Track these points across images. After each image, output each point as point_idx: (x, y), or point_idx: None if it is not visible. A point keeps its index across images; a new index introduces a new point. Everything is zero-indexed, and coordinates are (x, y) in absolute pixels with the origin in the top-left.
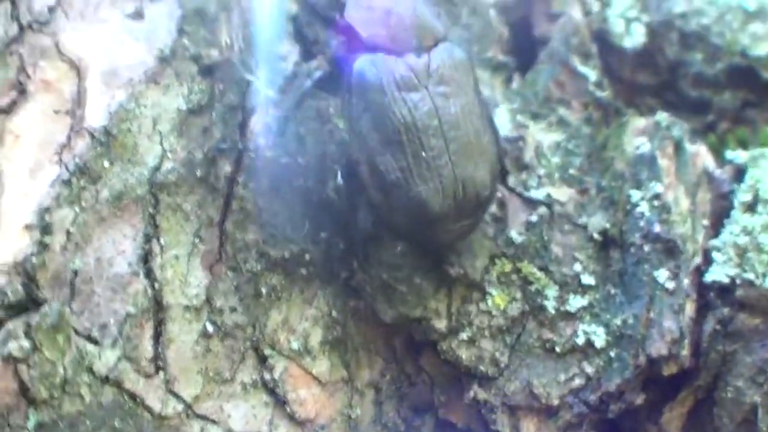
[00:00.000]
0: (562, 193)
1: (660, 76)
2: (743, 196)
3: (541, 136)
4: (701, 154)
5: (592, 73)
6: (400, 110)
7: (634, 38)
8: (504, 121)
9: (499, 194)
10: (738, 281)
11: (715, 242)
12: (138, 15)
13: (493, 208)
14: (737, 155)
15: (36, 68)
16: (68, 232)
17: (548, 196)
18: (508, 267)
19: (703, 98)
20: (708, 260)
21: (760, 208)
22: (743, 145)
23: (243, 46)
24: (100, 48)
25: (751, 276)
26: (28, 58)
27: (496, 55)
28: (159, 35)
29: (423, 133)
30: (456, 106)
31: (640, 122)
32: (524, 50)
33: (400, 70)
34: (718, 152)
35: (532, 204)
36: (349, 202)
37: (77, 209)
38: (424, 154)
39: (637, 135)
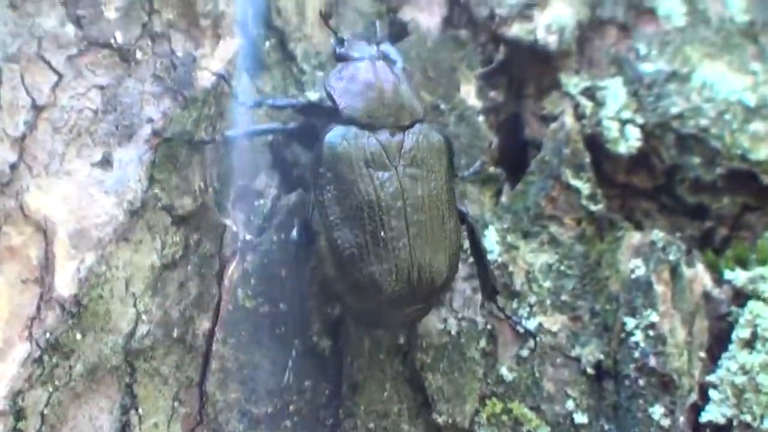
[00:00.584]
0: (554, 322)
1: (656, 180)
2: (742, 332)
3: (532, 257)
4: (699, 278)
5: (585, 187)
6: (365, 187)
7: (629, 143)
8: (493, 243)
9: (489, 325)
10: (735, 422)
11: (712, 378)
12: (106, 163)
13: (483, 341)
14: (736, 276)
15: (0, 234)
16: (42, 415)
17: (540, 326)
18: (498, 408)
19: (701, 204)
20: (705, 395)
21: (759, 345)
22: (742, 263)
23: (218, 186)
24: (67, 205)
25: (748, 418)
26: None
27: (485, 166)
28: (129, 185)
29: (385, 213)
30: (423, 189)
31: (635, 238)
32: (514, 153)
33: (371, 146)
34: (715, 267)
35: (523, 335)
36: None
37: (51, 389)
38: (383, 234)
39: (632, 253)
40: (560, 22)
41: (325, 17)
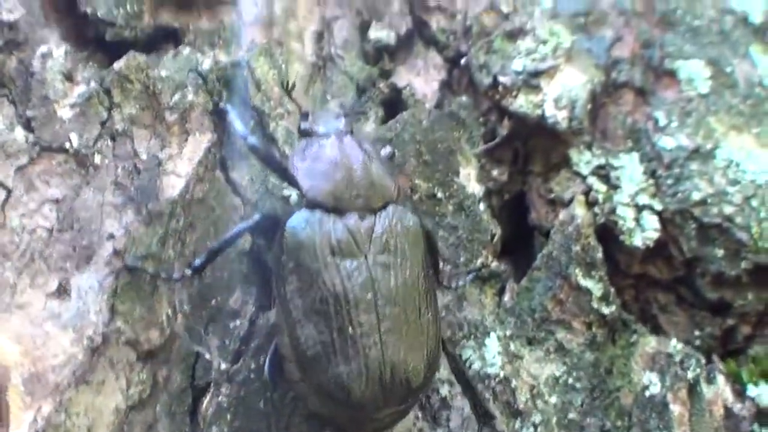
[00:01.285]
0: None
1: (674, 271)
2: None
3: (537, 368)
4: (719, 397)
5: (596, 287)
6: (331, 278)
7: (646, 234)
8: (495, 354)
9: None
10: None
11: None
12: (63, 292)
13: None
14: (760, 393)
15: None
16: None
17: None
18: None
19: (722, 299)
20: None
21: None
22: (766, 376)
23: (188, 309)
24: (20, 346)
25: None
26: None
27: (487, 261)
28: (89, 318)
29: (353, 307)
30: (397, 279)
31: (650, 345)
32: (519, 239)
33: (338, 232)
34: (738, 378)
35: None
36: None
37: None
38: (351, 330)
39: (646, 363)
40: (571, 94)
41: (287, 89)
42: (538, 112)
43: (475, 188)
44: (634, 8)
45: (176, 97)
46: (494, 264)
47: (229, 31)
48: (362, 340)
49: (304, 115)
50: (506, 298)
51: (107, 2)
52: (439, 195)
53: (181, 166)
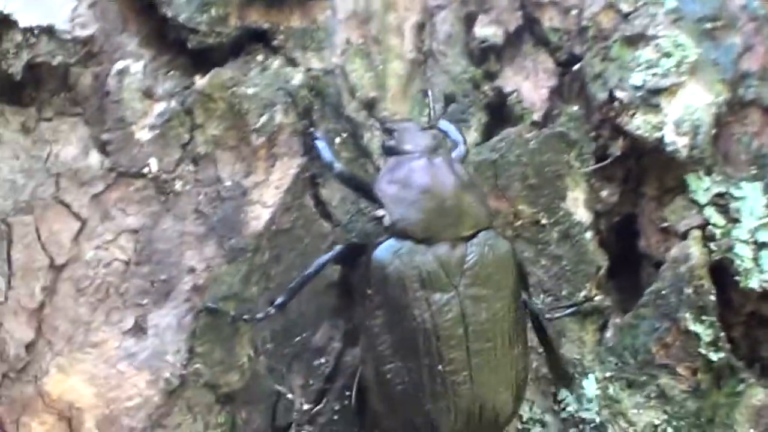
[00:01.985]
0: None
1: None
2: None
3: (636, 415)
4: None
5: (707, 333)
6: (420, 313)
7: (764, 276)
8: (593, 396)
9: None
10: None
11: None
12: (139, 330)
13: None
14: None
15: (18, 427)
16: None
17: None
18: None
19: None
20: None
21: None
22: None
23: (271, 346)
24: (93, 387)
25: None
26: (7, 416)
27: (590, 294)
28: (165, 358)
29: (444, 343)
30: (488, 312)
31: (758, 396)
32: (625, 265)
33: (428, 264)
34: None
35: None
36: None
37: None
38: (440, 367)
39: (752, 416)
40: (694, 117)
41: (369, 104)
42: (657, 135)
43: (582, 215)
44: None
45: (263, 118)
46: (598, 298)
47: (323, 31)
48: (452, 377)
49: (387, 131)
50: (609, 334)
51: (189, 6)
52: (544, 221)
53: (267, 195)
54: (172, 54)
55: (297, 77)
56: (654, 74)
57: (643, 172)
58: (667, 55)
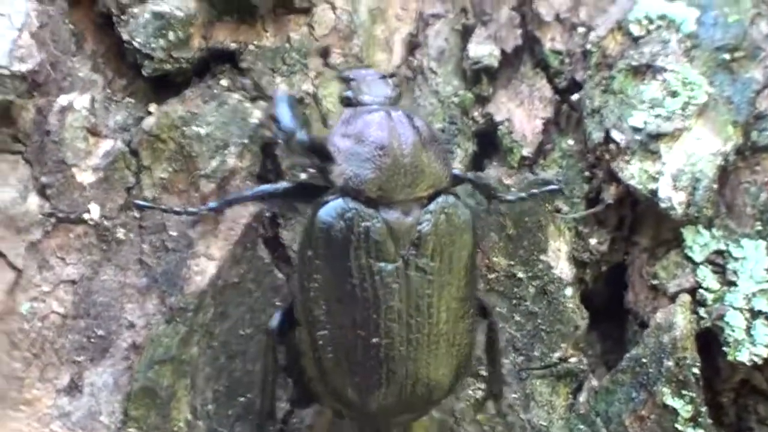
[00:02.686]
0: None
1: None
2: None
3: None
4: None
5: (685, 408)
6: (361, 281)
7: (755, 350)
8: None
9: None
10: None
11: None
12: (74, 388)
13: None
14: None
15: None
16: None
17: None
18: None
19: None
20: None
21: None
22: None
23: (213, 408)
24: None
25: None
26: None
27: (565, 355)
28: (100, 419)
29: (382, 315)
30: (435, 286)
31: None
32: (609, 320)
33: (375, 230)
34: None
35: None
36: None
37: None
38: (376, 339)
39: None
40: (695, 169)
41: (324, 53)
42: (652, 187)
43: (564, 269)
44: None
45: (214, 162)
46: (573, 360)
47: (296, 51)
48: (387, 350)
49: (346, 80)
50: (582, 398)
51: (146, 29)
52: (520, 275)
53: (214, 247)
54: (130, 77)
55: (256, 114)
56: (657, 115)
57: (637, 219)
58: (674, 94)
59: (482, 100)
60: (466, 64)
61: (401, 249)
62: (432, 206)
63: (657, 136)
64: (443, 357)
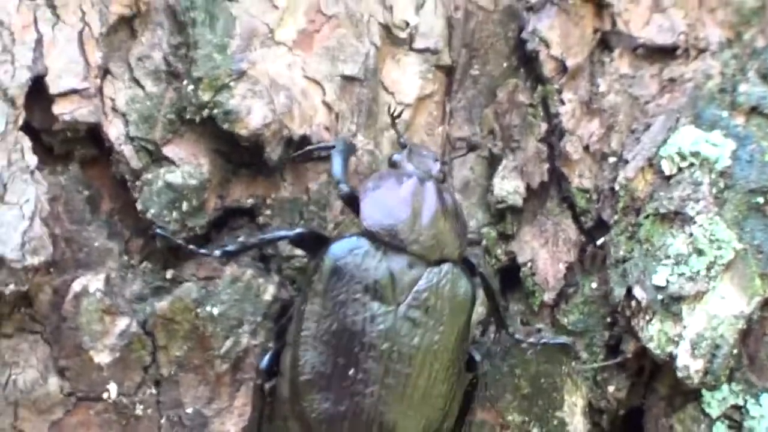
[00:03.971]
0: None
1: None
2: None
3: None
4: None
5: None
6: (353, 314)
7: None
8: None
9: None
10: None
11: None
12: None
13: None
14: None
15: None
16: None
17: None
18: None
19: None
20: None
21: None
22: None
23: None
24: None
25: None
26: None
27: None
28: None
29: (363, 351)
30: (422, 340)
31: None
32: None
33: (379, 271)
34: None
35: None
36: None
37: None
38: (352, 372)
39: None
40: (715, 335)
41: (393, 116)
42: (670, 350)
43: (578, 425)
44: None
45: (228, 342)
46: None
47: (315, 203)
48: (359, 386)
49: (402, 146)
50: None
51: (159, 200)
52: (534, 431)
53: (229, 423)
54: (148, 236)
55: (269, 291)
56: (680, 274)
57: (657, 367)
58: (700, 252)
59: (506, 237)
60: (491, 199)
61: (397, 296)
62: (437, 269)
63: (679, 298)
64: (414, 411)
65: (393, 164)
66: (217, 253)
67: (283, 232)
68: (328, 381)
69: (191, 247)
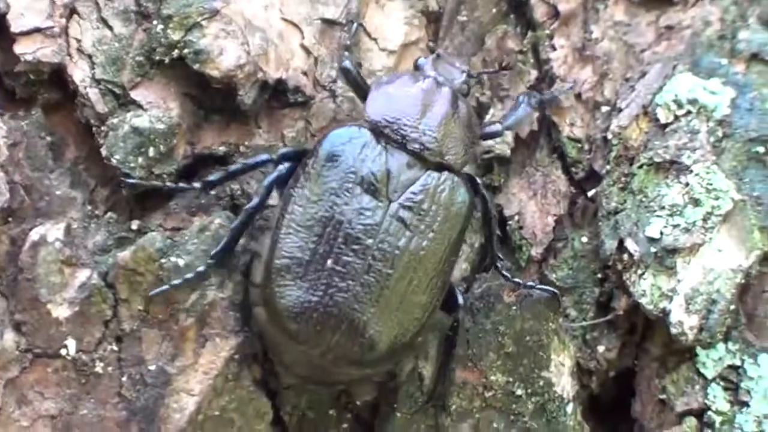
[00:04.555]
0: None
1: None
2: None
3: None
4: None
5: None
6: (341, 204)
7: None
8: None
9: None
10: None
11: None
12: None
13: None
14: None
15: None
16: None
17: None
18: None
19: None
20: None
21: None
22: None
23: None
24: None
25: None
26: None
27: None
28: None
29: (346, 243)
30: (409, 243)
31: None
32: (618, 418)
33: (376, 165)
34: None
35: None
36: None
37: None
38: (330, 262)
39: None
40: (711, 289)
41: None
42: (663, 306)
43: (566, 385)
44: None
45: (193, 296)
46: None
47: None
48: (336, 279)
49: (432, 51)
50: None
51: (125, 144)
52: (519, 392)
53: (193, 381)
54: (114, 184)
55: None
56: (675, 225)
57: (650, 325)
58: (696, 202)
59: (493, 189)
60: (477, 150)
61: (392, 193)
62: (437, 174)
63: (674, 251)
64: (388, 316)
65: (417, 67)
66: (197, 184)
67: (266, 156)
68: (304, 268)
69: (168, 184)
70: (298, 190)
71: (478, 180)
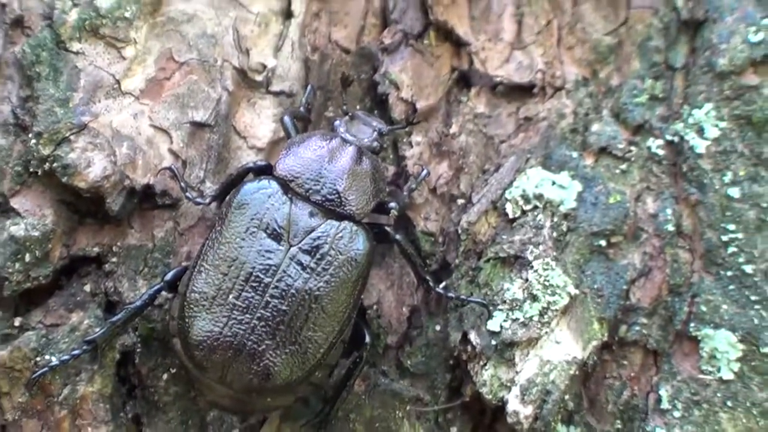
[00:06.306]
0: None
1: None
2: None
3: None
4: None
5: None
6: (247, 246)
7: None
8: None
9: None
10: None
11: None
12: None
13: None
14: None
15: None
16: None
17: None
18: None
19: None
20: None
21: None
22: None
23: None
24: None
25: None
26: None
27: None
28: None
29: (247, 281)
30: (306, 283)
31: None
32: None
33: (279, 212)
34: None
35: None
36: None
37: None
38: (231, 297)
39: None
40: (546, 381)
41: (344, 81)
42: (502, 395)
43: None
44: (678, 228)
45: (66, 390)
46: None
47: (159, 251)
48: (236, 313)
49: (345, 114)
50: None
51: (4, 252)
52: None
53: None
54: None
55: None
56: (514, 320)
57: (500, 409)
58: (534, 298)
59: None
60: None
61: (293, 238)
62: (337, 222)
63: (512, 344)
64: (282, 350)
65: (332, 129)
66: (207, 200)
67: (251, 164)
68: (209, 302)
69: (187, 194)
70: (213, 234)
71: (388, 228)
